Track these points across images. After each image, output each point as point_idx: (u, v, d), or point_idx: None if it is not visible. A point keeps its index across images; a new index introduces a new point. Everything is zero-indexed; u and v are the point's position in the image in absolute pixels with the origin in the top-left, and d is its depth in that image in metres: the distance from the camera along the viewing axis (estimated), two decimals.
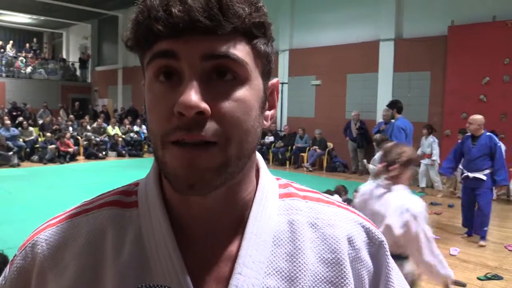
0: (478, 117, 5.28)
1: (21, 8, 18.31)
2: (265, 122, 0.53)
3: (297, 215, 0.57)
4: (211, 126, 0.46)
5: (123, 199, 0.57)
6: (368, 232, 0.59)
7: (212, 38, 0.45)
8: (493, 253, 4.98)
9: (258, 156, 0.59)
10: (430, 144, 8.22)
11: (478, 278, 4.18)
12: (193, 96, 0.44)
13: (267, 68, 0.53)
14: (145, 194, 0.56)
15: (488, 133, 5.24)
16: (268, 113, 0.55)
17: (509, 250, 5.06)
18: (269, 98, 0.55)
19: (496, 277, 4.20)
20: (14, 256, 0.58)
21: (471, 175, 5.24)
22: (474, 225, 5.39)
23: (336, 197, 4.90)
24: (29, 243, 0.56)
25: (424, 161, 8.24)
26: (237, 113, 0.47)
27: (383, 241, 0.60)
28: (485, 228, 5.25)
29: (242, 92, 0.48)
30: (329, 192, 5.43)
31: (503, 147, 5.76)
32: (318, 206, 0.59)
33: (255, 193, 0.56)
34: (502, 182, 5.19)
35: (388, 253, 0.60)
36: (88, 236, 0.54)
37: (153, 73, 0.48)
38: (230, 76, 0.47)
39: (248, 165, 0.53)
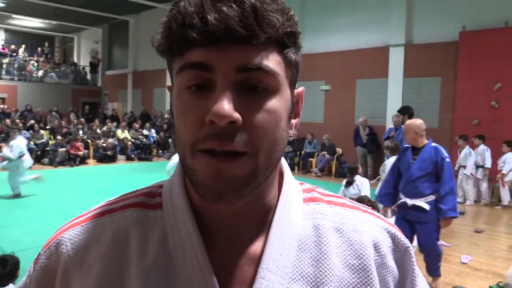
0: (416, 122, 3.93)
1: (33, 12, 18.58)
2: (289, 131, 0.54)
3: (322, 219, 0.56)
4: (241, 136, 0.46)
5: (147, 200, 0.57)
6: (393, 238, 0.58)
7: (246, 48, 0.45)
8: (504, 261, 4.90)
9: (283, 160, 0.58)
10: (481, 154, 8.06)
11: (490, 287, 4.12)
12: (226, 105, 0.44)
13: (295, 77, 0.53)
14: (170, 196, 0.56)
15: (433, 144, 3.83)
16: (293, 121, 0.55)
17: None
18: (294, 107, 0.55)
19: (509, 286, 4.12)
20: (38, 255, 0.58)
21: (409, 202, 3.78)
22: (426, 267, 3.95)
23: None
24: (53, 242, 0.56)
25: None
26: (268, 124, 0.47)
27: (409, 247, 0.59)
28: (439, 264, 3.96)
29: (273, 103, 0.48)
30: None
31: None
32: (343, 211, 0.59)
33: (278, 197, 0.56)
34: (450, 212, 3.64)
35: (414, 259, 0.60)
36: (112, 237, 0.54)
37: (184, 82, 0.48)
38: (262, 87, 0.47)
39: (274, 172, 0.53)
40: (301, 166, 11.76)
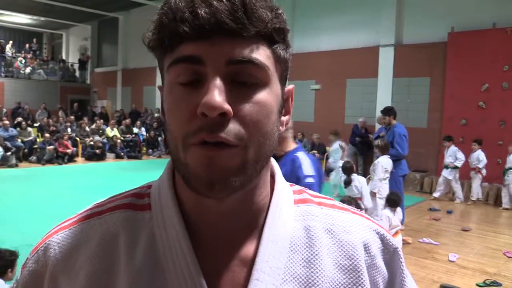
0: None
1: (21, 8, 18.32)
2: (280, 127, 0.54)
3: (313, 221, 0.56)
4: (232, 127, 0.46)
5: (136, 201, 0.57)
6: (383, 239, 0.58)
7: (236, 41, 0.46)
8: (491, 259, 4.98)
9: (273, 162, 0.58)
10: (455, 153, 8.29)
11: (477, 285, 4.17)
12: (217, 97, 0.44)
13: (285, 74, 0.53)
14: (158, 196, 0.55)
15: (298, 154, 2.54)
16: (284, 118, 0.55)
17: (508, 257, 5.06)
18: (285, 104, 0.55)
19: (495, 284, 4.19)
20: (26, 260, 0.57)
21: None
22: None
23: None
24: (41, 247, 0.56)
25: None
26: (258, 116, 0.47)
27: (397, 248, 0.59)
28: None
29: (262, 95, 0.48)
30: None
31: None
32: (333, 212, 0.59)
33: (270, 198, 0.56)
34: None
35: (403, 260, 0.60)
36: (101, 239, 0.53)
37: (175, 76, 0.48)
38: (252, 80, 0.47)
39: (264, 170, 0.53)
40: None
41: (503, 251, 5.24)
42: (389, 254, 0.58)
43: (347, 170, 5.71)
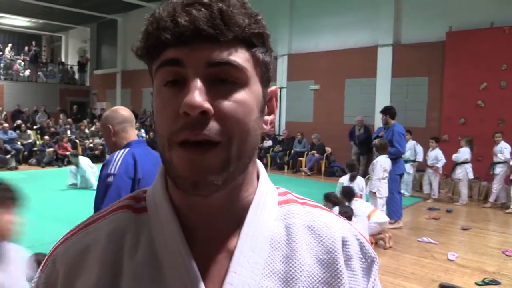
0: (115, 112, 2.17)
1: (20, 11, 18.32)
2: (264, 126, 0.57)
3: (293, 218, 0.59)
4: (213, 125, 0.49)
5: (134, 204, 0.60)
6: (361, 246, 0.60)
7: (215, 46, 0.49)
8: (491, 258, 4.98)
9: (258, 162, 0.61)
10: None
11: (476, 283, 4.18)
12: (197, 96, 0.47)
13: (266, 76, 0.56)
14: (153, 198, 0.59)
15: (123, 152, 2.06)
16: (268, 118, 0.58)
17: (507, 255, 5.07)
18: (268, 104, 0.58)
19: (494, 282, 4.20)
20: (38, 277, 0.59)
21: None
22: None
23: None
24: (50, 261, 0.59)
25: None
26: (238, 114, 0.50)
27: (375, 258, 0.61)
28: None
29: (241, 95, 0.51)
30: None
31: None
32: (315, 210, 0.61)
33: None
34: None
35: (377, 271, 0.61)
36: (108, 237, 0.56)
37: (161, 79, 0.52)
38: (230, 80, 0.50)
39: (250, 167, 0.56)
40: (291, 166, 11.80)
41: (502, 250, 5.25)
42: (366, 264, 0.60)
43: (352, 167, 5.89)
